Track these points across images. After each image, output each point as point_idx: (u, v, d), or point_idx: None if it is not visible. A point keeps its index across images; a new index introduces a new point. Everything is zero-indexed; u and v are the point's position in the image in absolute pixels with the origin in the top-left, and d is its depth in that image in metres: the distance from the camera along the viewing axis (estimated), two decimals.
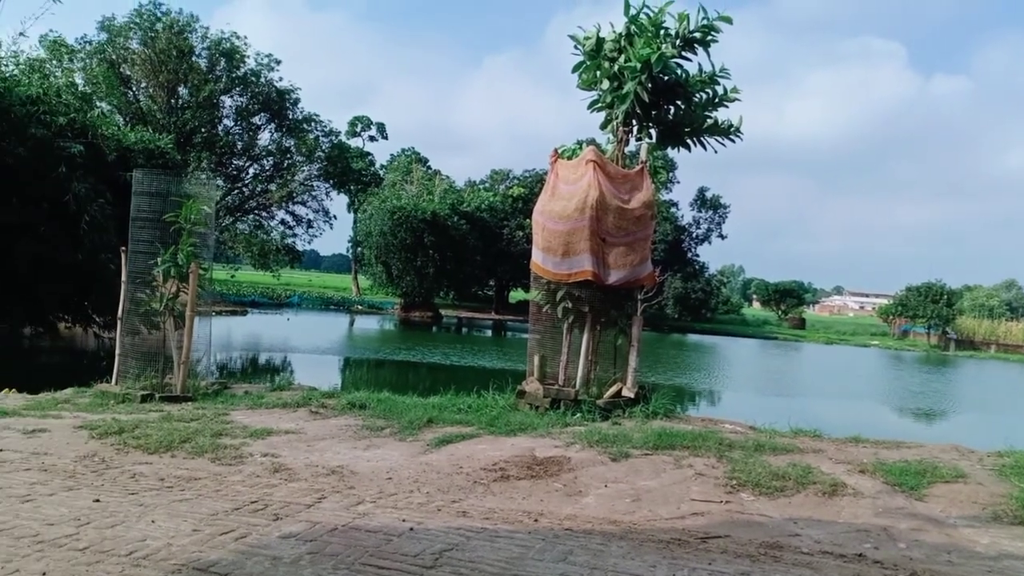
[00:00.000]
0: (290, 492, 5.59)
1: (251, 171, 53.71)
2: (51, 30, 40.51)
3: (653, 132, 10.53)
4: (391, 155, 74.66)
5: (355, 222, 61.83)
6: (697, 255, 70.10)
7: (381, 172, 68.70)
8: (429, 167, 69.30)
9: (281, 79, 50.88)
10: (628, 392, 9.65)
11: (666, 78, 10.04)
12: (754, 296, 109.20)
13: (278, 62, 49.90)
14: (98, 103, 27.68)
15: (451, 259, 52.06)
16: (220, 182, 45.54)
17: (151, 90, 46.14)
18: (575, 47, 10.54)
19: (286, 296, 57.86)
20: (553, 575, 4.08)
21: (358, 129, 74.09)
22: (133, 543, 4.29)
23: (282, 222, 55.91)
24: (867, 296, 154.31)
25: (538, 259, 9.92)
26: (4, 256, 16.89)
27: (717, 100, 10.34)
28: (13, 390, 10.70)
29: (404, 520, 4.97)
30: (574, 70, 10.64)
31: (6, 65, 19.11)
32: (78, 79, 27.74)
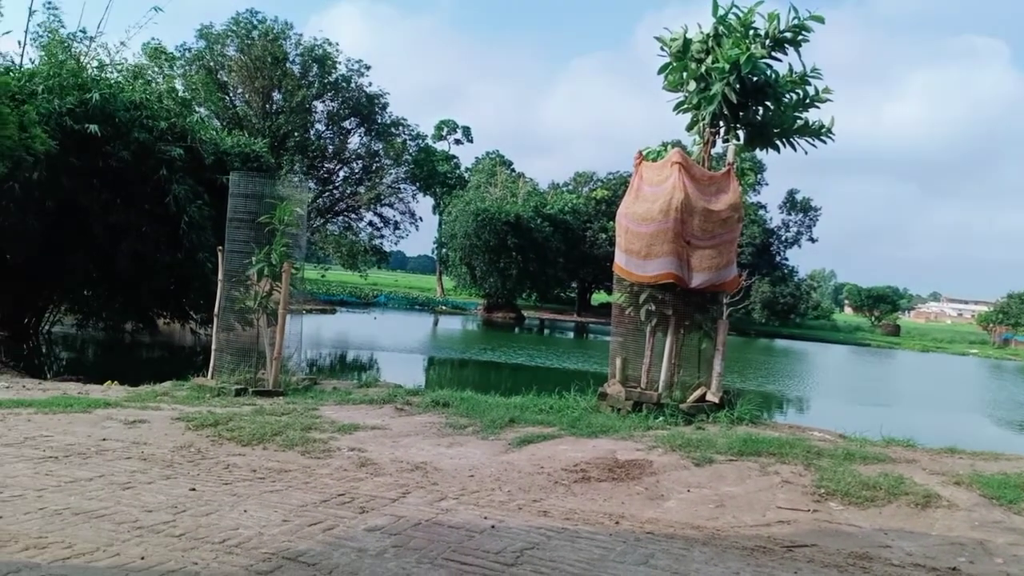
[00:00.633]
0: (376, 486, 5.73)
1: (341, 174, 55.09)
2: (153, 38, 42.33)
3: (741, 133, 10.37)
4: (476, 158, 75.34)
5: (440, 224, 62.62)
6: (786, 259, 68.45)
7: (466, 175, 69.37)
8: (513, 170, 69.60)
9: (370, 84, 52.14)
10: (712, 397, 9.52)
11: (755, 79, 9.87)
12: (846, 301, 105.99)
13: (368, 68, 51.11)
14: (197, 108, 28.81)
15: (534, 261, 52.19)
16: (312, 185, 46.79)
17: (247, 96, 47.81)
18: (661, 49, 10.46)
19: (373, 296, 59.08)
20: None
21: (444, 133, 75.03)
22: (226, 531, 4.46)
23: (370, 224, 57.24)
24: (966, 303, 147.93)
25: (621, 261, 9.88)
26: (109, 255, 17.75)
27: (808, 101, 10.12)
28: (116, 382, 11.24)
29: (486, 517, 5.03)
30: (660, 71, 10.56)
31: (111, 72, 20.06)
32: (178, 85, 28.89)
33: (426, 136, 61.39)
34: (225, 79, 46.94)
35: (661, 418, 9.06)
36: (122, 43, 23.96)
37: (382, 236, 57.57)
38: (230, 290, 11.00)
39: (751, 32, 9.89)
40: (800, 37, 9.83)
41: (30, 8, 20.03)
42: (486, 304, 55.79)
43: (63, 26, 20.58)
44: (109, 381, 11.29)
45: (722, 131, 10.33)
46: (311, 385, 10.97)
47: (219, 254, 11.20)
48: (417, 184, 59.22)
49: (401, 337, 33.78)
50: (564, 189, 64.87)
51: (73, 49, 19.80)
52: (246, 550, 4.15)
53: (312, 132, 51.15)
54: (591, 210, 59.07)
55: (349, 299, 55.34)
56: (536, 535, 4.70)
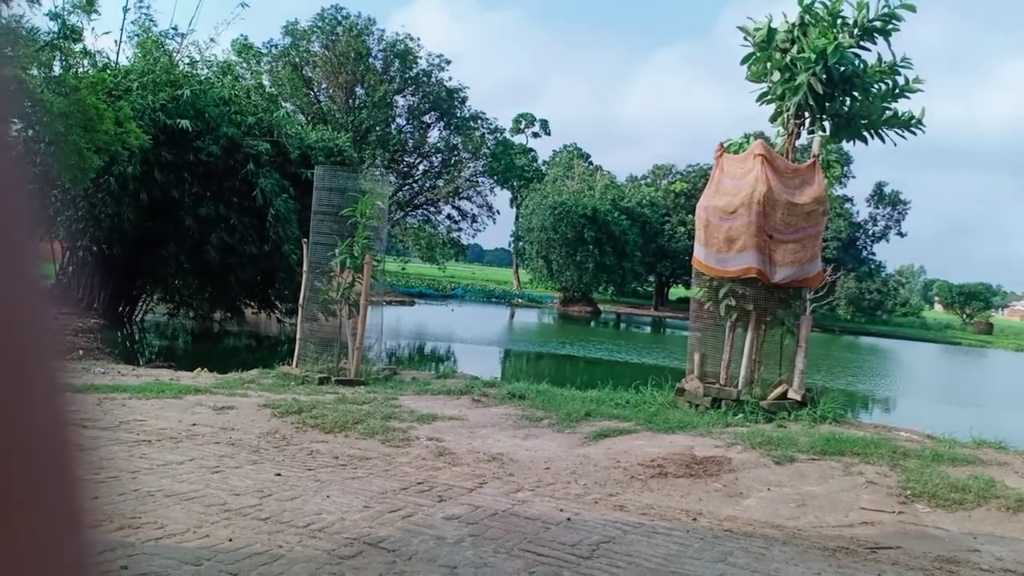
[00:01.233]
0: (453, 476, 5.81)
1: (421, 168, 55.79)
2: (241, 34, 43.67)
3: (826, 125, 10.11)
4: (553, 151, 75.22)
5: (517, 217, 62.80)
6: (873, 254, 66.24)
7: (543, 168, 69.40)
8: (591, 163, 69.30)
9: (450, 79, 52.56)
10: (794, 394, 9.32)
11: (842, 69, 9.60)
12: (936, 298, 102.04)
13: (448, 62, 51.54)
14: (283, 104, 29.58)
15: (611, 254, 51.86)
16: (392, 178, 47.55)
17: (331, 91, 48.82)
18: (745, 38, 10.27)
19: (450, 288, 59.66)
20: (712, 575, 4.04)
21: (522, 126, 75.18)
22: (310, 516, 4.60)
23: (448, 217, 57.85)
24: None
25: (700, 255, 9.75)
26: (199, 246, 18.41)
27: (897, 91, 9.79)
28: (205, 370, 11.65)
29: (562, 510, 5.06)
30: (743, 62, 10.37)
31: (201, 69, 20.77)
32: (265, 81, 29.77)
33: (504, 130, 61.64)
34: (310, 75, 48.05)
35: (740, 415, 8.92)
36: (211, 39, 24.79)
37: (460, 229, 58.16)
38: (313, 281, 11.28)
39: (838, 21, 9.63)
40: (890, 26, 9.52)
41: (124, 8, 20.86)
42: (562, 297, 55.71)
43: (155, 24, 21.39)
44: (199, 368, 11.71)
45: (807, 122, 10.09)
46: (391, 375, 11.17)
47: (304, 246, 11.49)
48: (495, 177, 59.52)
49: (477, 329, 34.05)
50: (642, 182, 64.28)
51: (166, 47, 20.56)
52: (329, 535, 4.27)
53: (393, 126, 51.93)
54: (670, 203, 58.39)
55: (427, 291, 56.00)
56: (612, 529, 4.70)
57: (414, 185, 55.83)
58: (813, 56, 9.45)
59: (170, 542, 4.02)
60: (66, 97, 12.99)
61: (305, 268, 11.38)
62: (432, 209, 57.20)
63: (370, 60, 48.46)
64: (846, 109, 9.98)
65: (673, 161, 71.69)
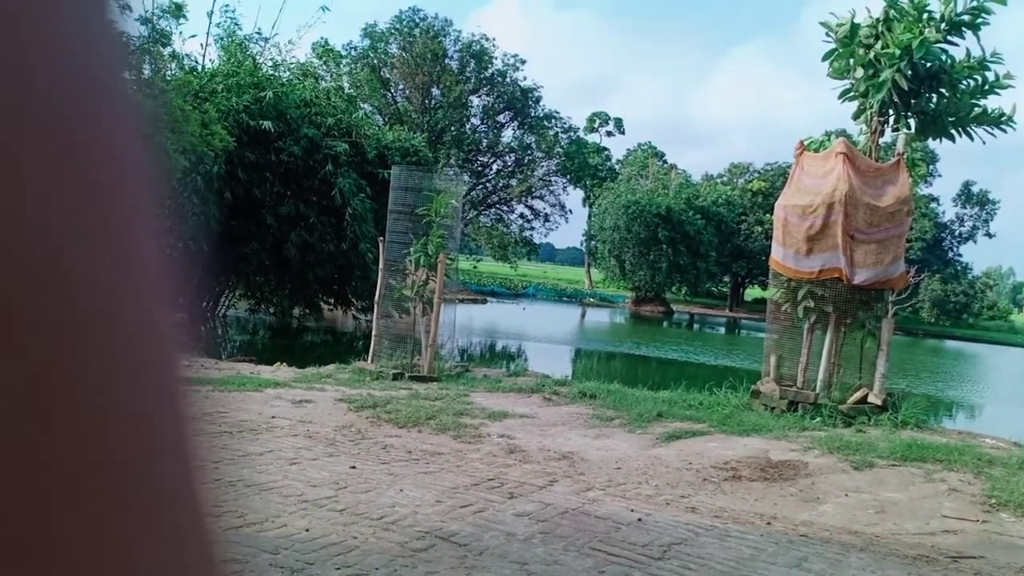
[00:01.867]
0: (524, 473, 5.85)
1: (494, 167, 56.09)
2: (322, 37, 44.70)
3: (911, 122, 9.83)
4: (627, 150, 74.67)
5: (589, 216, 62.57)
6: (959, 255, 63.82)
7: (617, 167, 68.98)
8: (665, 161, 68.60)
9: (525, 78, 52.72)
10: (875, 399, 9.08)
11: (928, 64, 9.31)
12: None
13: (523, 62, 51.75)
14: (361, 105, 30.16)
15: (685, 254, 51.24)
16: (466, 178, 47.93)
17: (407, 92, 49.49)
18: (827, 34, 10.05)
19: (522, 287, 59.81)
20: None
21: (596, 125, 74.83)
22: (384, 508, 4.69)
23: (521, 216, 58.01)
24: None
25: (778, 256, 9.59)
26: (280, 244, 18.91)
27: (987, 87, 9.45)
28: (284, 364, 11.96)
29: (632, 510, 5.04)
30: (825, 58, 10.14)
31: (284, 71, 21.30)
32: (344, 83, 30.39)
33: (578, 129, 61.46)
34: (388, 76, 48.80)
35: (818, 419, 8.74)
36: (290, 42, 25.37)
37: (532, 228, 58.27)
38: (388, 279, 11.47)
39: (924, 15, 9.35)
40: (979, 20, 9.19)
41: (209, 13, 21.54)
42: (635, 297, 55.29)
43: (240, 28, 22.02)
44: (278, 362, 12.02)
45: (891, 120, 9.83)
46: (463, 372, 11.28)
47: (380, 244, 11.69)
48: (568, 177, 59.42)
49: (549, 328, 34.07)
50: (718, 180, 63.31)
51: (249, 50, 21.16)
52: (402, 528, 4.35)
53: (468, 126, 52.36)
54: (746, 202, 57.33)
55: (499, 290, 56.27)
56: (684, 531, 4.67)
57: (487, 184, 56.17)
58: (898, 52, 9.19)
59: (249, 531, 4.15)
60: (154, 100, 13.48)
61: (381, 266, 11.58)
62: (505, 208, 57.48)
63: (446, 61, 48.96)
64: (932, 106, 9.68)
65: (750, 159, 70.58)
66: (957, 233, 63.52)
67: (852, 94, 9.99)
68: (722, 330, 46.76)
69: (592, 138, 71.89)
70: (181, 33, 21.61)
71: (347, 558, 3.87)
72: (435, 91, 49.58)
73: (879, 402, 9.03)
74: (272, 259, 19.71)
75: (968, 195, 63.68)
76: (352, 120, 20.34)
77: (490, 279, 59.36)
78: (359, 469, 5.59)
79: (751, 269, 56.44)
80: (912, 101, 9.62)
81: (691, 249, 51.42)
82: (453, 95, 48.52)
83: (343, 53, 46.36)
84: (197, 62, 20.47)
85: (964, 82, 9.47)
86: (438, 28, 48.60)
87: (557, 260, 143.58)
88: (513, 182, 56.21)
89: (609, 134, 75.88)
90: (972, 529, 5.17)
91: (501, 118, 53.61)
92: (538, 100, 53.42)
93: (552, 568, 3.93)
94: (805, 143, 10.06)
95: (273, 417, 7.28)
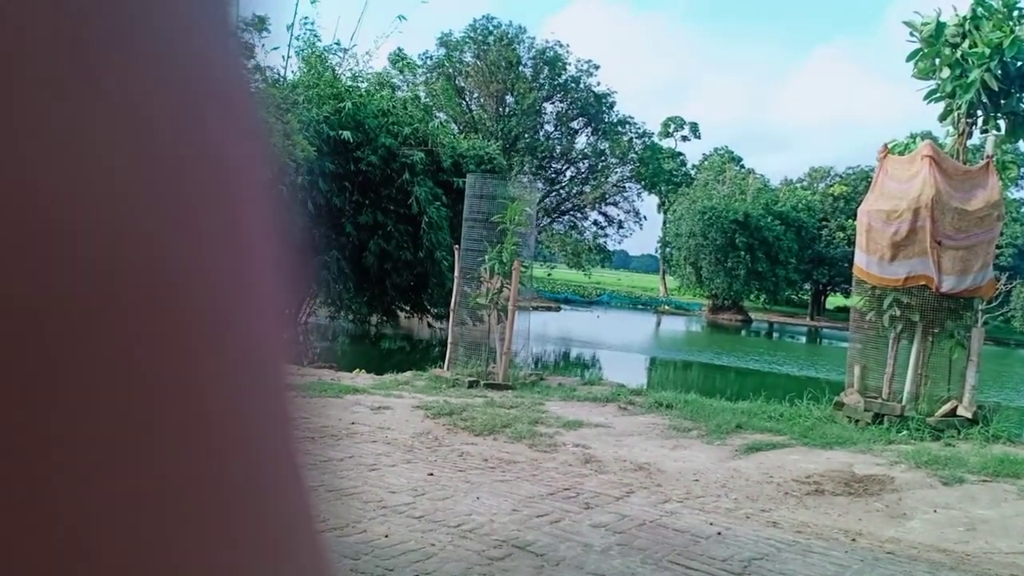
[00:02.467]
0: (600, 483, 5.81)
1: (568, 174, 56.07)
2: (398, 47, 45.44)
3: (1002, 123, 9.46)
4: (703, 155, 73.68)
5: (664, 222, 61.97)
6: None
7: (692, 172, 68.17)
8: (742, 166, 67.44)
9: (598, 84, 52.61)
10: (964, 411, 8.74)
11: (1019, 63, 8.96)
12: None
13: (596, 67, 51.70)
14: (437, 114, 30.56)
15: (763, 261, 50.25)
16: (540, 185, 48.06)
17: (482, 100, 49.94)
18: (911, 34, 9.75)
19: (596, 294, 59.57)
20: None
21: (671, 130, 74.08)
22: (460, 516, 4.72)
23: (595, 223, 57.82)
24: None
25: (861, 262, 9.34)
26: (359, 252, 19.27)
27: None
28: (363, 371, 12.17)
29: (711, 524, 4.96)
30: (909, 58, 9.84)
31: (362, 82, 21.72)
32: (420, 92, 30.89)
33: (652, 134, 61.04)
34: (462, 84, 49.32)
35: (904, 432, 8.46)
36: (368, 53, 25.89)
37: (606, 235, 58.05)
38: (463, 287, 11.57)
39: (1015, 13, 9.00)
40: None
41: (289, 26, 22.11)
42: (711, 305, 54.46)
43: (319, 40, 22.53)
44: (357, 369, 12.24)
45: (980, 121, 9.49)
46: (537, 380, 11.28)
47: (455, 252, 11.81)
48: (642, 183, 59.02)
49: (623, 336, 33.83)
50: (797, 185, 61.96)
51: (328, 61, 21.64)
52: (478, 536, 4.38)
53: (541, 133, 52.51)
54: (828, 207, 55.93)
55: (573, 297, 56.17)
56: (765, 546, 4.57)
57: (561, 191, 56.18)
58: (987, 51, 8.87)
59: (331, 536, 4.23)
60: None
61: (456, 274, 11.69)
62: (578, 215, 57.37)
63: (520, 68, 49.25)
64: (1023, 106, 9.32)
65: (831, 163, 68.85)
66: None
67: (938, 95, 9.68)
68: (803, 339, 45.66)
69: (667, 143, 71.21)
70: (264, 45, 22.25)
71: (425, 565, 3.90)
72: (509, 98, 49.89)
73: (969, 415, 8.70)
74: (351, 267, 20.09)
75: None
76: (428, 129, 20.62)
77: (564, 286, 59.30)
78: (436, 476, 5.64)
79: (833, 276, 54.95)
80: (1002, 102, 9.27)
81: (770, 256, 50.40)
82: (527, 102, 48.75)
83: (419, 63, 47.12)
84: (279, 74, 21.06)
85: None
86: (512, 35, 48.95)
87: (631, 267, 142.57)
88: (587, 189, 56.09)
89: (684, 139, 75.01)
90: None
91: (574, 124, 53.61)
92: (612, 106, 53.28)
93: None
94: (889, 146, 9.79)
95: (353, 423, 7.41)
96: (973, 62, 9.06)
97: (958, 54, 9.26)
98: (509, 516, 4.78)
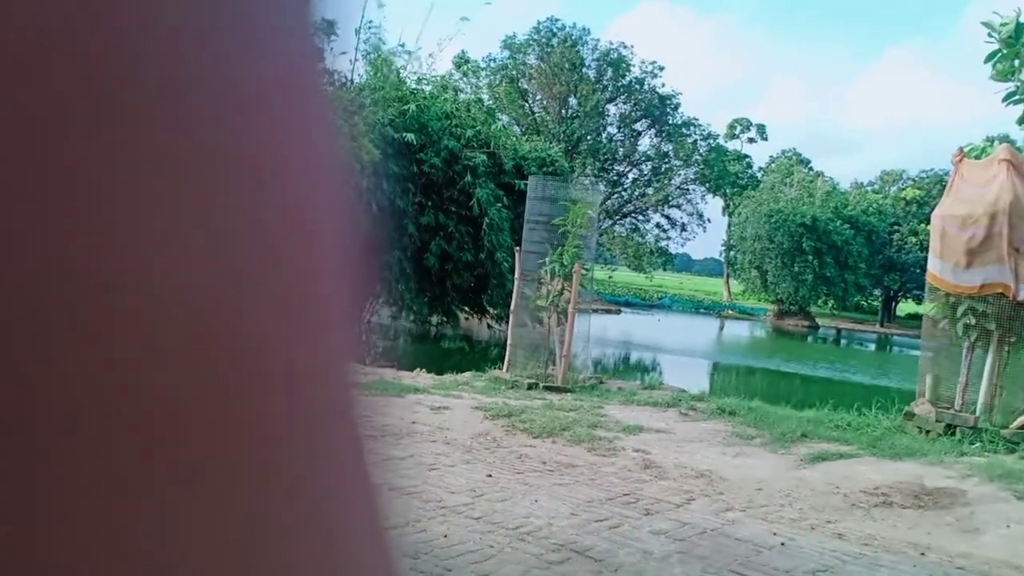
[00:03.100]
0: (660, 490, 5.75)
1: (630, 176, 55.70)
2: (463, 50, 45.75)
3: None
4: (770, 157, 72.40)
5: (729, 226, 61.08)
6: None
7: (758, 175, 67.06)
8: (810, 169, 66.08)
9: (663, 85, 52.13)
10: None
11: None
12: None
13: (661, 69, 51.24)
14: (499, 116, 30.68)
15: (831, 266, 49.12)
16: (602, 187, 47.85)
17: (544, 102, 49.94)
18: (989, 35, 9.42)
19: (657, 298, 59.02)
20: None
21: (737, 132, 72.99)
22: (519, 518, 4.72)
23: (657, 225, 57.31)
24: None
25: (935, 269, 9.07)
26: (420, 253, 19.46)
27: None
28: (423, 370, 12.27)
29: (775, 534, 4.86)
30: (987, 60, 9.50)
31: (425, 85, 21.93)
32: (484, 95, 31.06)
33: (717, 136, 60.23)
34: (525, 87, 49.42)
35: (978, 444, 8.18)
36: (431, 55, 26.16)
37: (668, 238, 57.49)
38: (523, 288, 11.58)
39: None
40: None
41: (357, 29, 22.44)
42: (776, 310, 53.46)
43: (384, 43, 22.83)
44: (418, 368, 12.34)
45: None
46: (597, 384, 11.22)
47: (515, 254, 11.83)
48: (706, 185, 58.28)
49: (685, 340, 33.44)
50: (868, 188, 60.47)
51: (393, 64, 21.91)
52: (537, 539, 4.37)
53: (604, 135, 52.28)
54: (899, 211, 54.41)
55: (633, 300, 55.75)
56: (830, 558, 4.45)
57: (623, 193, 55.83)
58: None
59: (392, 534, 4.27)
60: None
61: (516, 275, 11.71)
62: (640, 217, 56.94)
63: (583, 70, 49.12)
64: None
65: (904, 166, 66.98)
66: None
67: (1018, 97, 9.33)
68: (872, 347, 44.53)
69: (733, 145, 70.21)
70: (332, 49, 22.57)
71: (484, 566, 3.91)
72: (572, 100, 49.80)
73: None
74: (413, 267, 20.30)
75: None
76: (490, 131, 20.71)
77: (625, 289, 58.90)
78: (495, 477, 5.65)
79: (904, 282, 53.43)
80: None
81: (838, 260, 49.25)
82: (590, 104, 48.59)
83: (483, 65, 47.37)
84: (347, 78, 21.39)
85: None
86: (576, 37, 48.86)
87: (694, 271, 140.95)
88: (649, 191, 55.63)
89: (751, 140, 73.81)
90: None
91: (638, 126, 53.24)
92: (676, 107, 52.77)
93: None
94: (965, 150, 9.49)
95: (413, 422, 7.48)
96: None
97: None
98: (567, 520, 4.76)
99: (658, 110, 51.84)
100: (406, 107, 18.90)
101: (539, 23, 49.60)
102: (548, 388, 10.40)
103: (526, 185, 12.24)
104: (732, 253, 59.20)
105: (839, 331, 51.79)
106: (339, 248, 0.24)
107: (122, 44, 0.16)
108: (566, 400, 9.51)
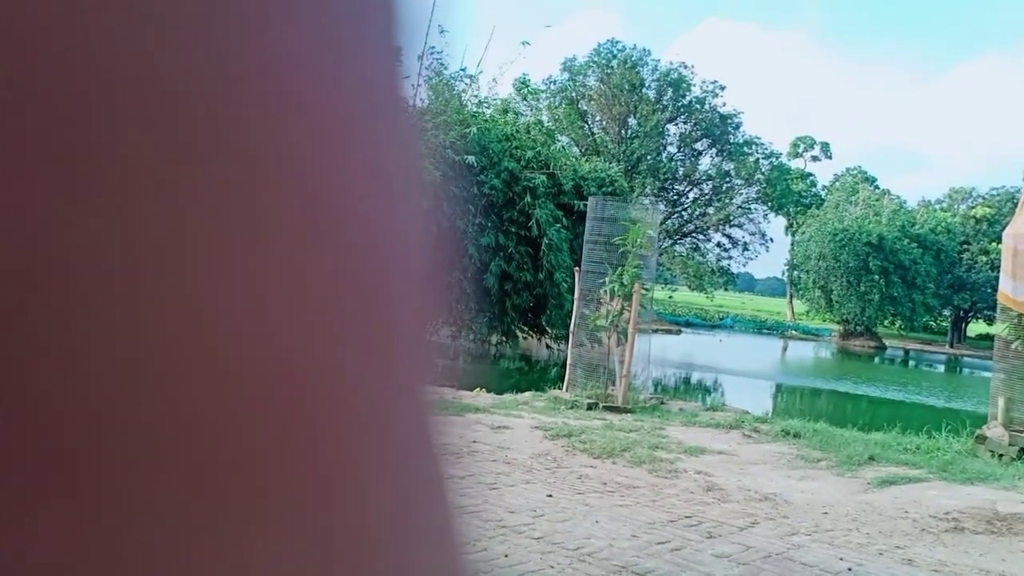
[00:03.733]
0: (722, 512, 5.69)
1: (691, 195, 55.26)
2: (524, 73, 46.18)
3: None
4: (834, 175, 71.15)
5: (792, 245, 60.06)
6: None
7: (822, 193, 65.89)
8: (877, 187, 64.69)
9: (724, 104, 51.75)
10: None
11: None
12: None
13: (722, 88, 50.88)
14: (559, 137, 30.83)
15: (898, 285, 47.92)
16: (662, 207, 47.59)
17: (604, 123, 50.00)
18: None
19: (719, 318, 58.22)
20: None
21: (800, 150, 71.93)
22: (579, 539, 4.73)
23: (718, 245, 56.64)
24: None
25: (1007, 288, 8.82)
26: (480, 274, 19.62)
27: None
28: (483, 390, 12.33)
29: (842, 559, 4.77)
30: None
31: (486, 108, 22.20)
32: (543, 116, 31.25)
33: (780, 154, 59.41)
34: (585, 108, 49.57)
35: None
36: (493, 80, 26.45)
37: (730, 257, 56.74)
38: (583, 308, 11.58)
39: None
40: None
41: (420, 56, 22.80)
42: (842, 331, 52.27)
43: (445, 68, 23.18)
44: (478, 388, 12.41)
45: None
46: (658, 404, 11.15)
47: (575, 274, 11.86)
48: (769, 204, 57.45)
49: (747, 361, 32.90)
50: (936, 207, 58.91)
51: (455, 88, 22.24)
52: (597, 560, 4.37)
53: (664, 155, 52.04)
54: (969, 230, 52.89)
55: (694, 320, 55.11)
56: None
57: (683, 213, 55.38)
58: None
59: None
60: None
61: (576, 295, 11.73)
62: (701, 237, 56.37)
63: (643, 90, 49.06)
64: None
65: (973, 184, 65.09)
66: None
67: None
68: (941, 368, 43.18)
69: (796, 164, 69.18)
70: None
71: None
72: (631, 121, 49.73)
73: None
74: (473, 288, 20.47)
75: None
76: (550, 153, 20.86)
77: (685, 309, 58.28)
78: (555, 498, 5.66)
79: (975, 302, 51.82)
80: None
81: (906, 280, 48.03)
82: (649, 124, 48.47)
83: (542, 87, 47.66)
84: (410, 102, 21.75)
85: None
86: (636, 58, 48.87)
87: (756, 290, 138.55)
88: (710, 210, 55.09)
89: (815, 159, 72.65)
90: None
91: (698, 146, 52.87)
92: (738, 126, 52.30)
93: None
94: None
95: (474, 441, 7.52)
96: None
97: None
98: (628, 542, 4.74)
99: (719, 129, 51.44)
100: (467, 130, 19.17)
101: (599, 45, 49.81)
102: (608, 408, 10.36)
103: (585, 205, 12.29)
104: (795, 273, 58.18)
105: (907, 352, 50.37)
106: (414, 270, 0.25)
107: (231, 72, 0.17)
108: (626, 420, 9.46)
